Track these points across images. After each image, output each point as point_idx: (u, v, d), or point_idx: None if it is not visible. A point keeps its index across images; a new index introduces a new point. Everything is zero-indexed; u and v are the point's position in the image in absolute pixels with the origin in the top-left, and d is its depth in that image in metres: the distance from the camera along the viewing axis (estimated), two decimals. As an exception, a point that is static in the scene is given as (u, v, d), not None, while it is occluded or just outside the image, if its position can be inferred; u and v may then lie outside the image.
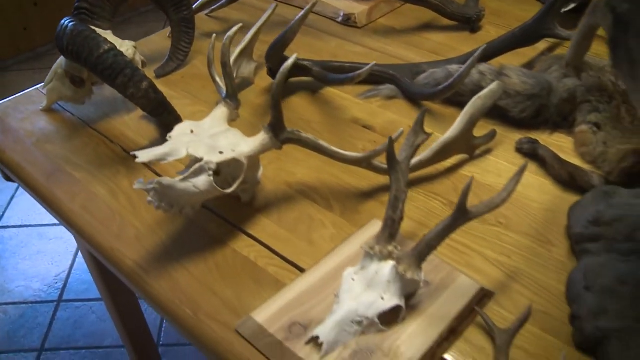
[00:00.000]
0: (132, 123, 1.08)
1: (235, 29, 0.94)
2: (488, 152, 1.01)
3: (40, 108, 1.11)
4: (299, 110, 1.11)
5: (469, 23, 1.35)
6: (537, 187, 0.94)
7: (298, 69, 1.10)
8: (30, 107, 1.13)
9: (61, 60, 1.02)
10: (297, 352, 0.68)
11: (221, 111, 0.87)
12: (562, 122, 1.04)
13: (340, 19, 1.40)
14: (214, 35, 0.95)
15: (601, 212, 0.82)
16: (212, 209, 0.89)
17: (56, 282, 2.00)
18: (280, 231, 0.86)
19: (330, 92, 1.16)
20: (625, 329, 0.69)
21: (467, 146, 0.96)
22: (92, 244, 0.86)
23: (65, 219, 0.91)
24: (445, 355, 0.69)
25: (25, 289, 1.97)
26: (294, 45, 1.07)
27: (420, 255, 0.70)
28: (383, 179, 0.93)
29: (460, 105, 0.96)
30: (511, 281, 0.79)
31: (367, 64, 0.97)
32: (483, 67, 1.07)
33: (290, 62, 0.80)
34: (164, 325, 1.83)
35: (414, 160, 0.89)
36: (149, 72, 1.13)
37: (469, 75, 1.04)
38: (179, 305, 0.76)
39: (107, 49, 0.89)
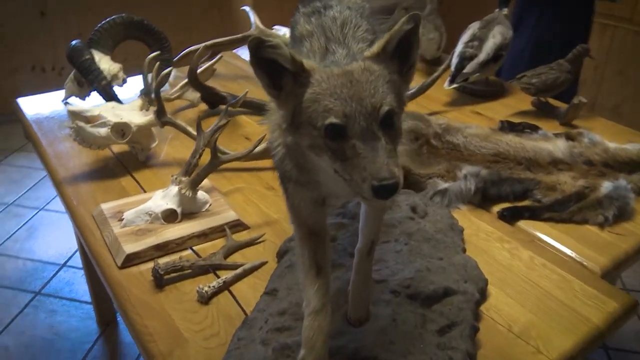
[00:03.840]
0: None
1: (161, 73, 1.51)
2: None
3: (62, 100, 1.74)
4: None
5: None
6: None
7: (220, 97, 1.65)
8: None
9: (73, 71, 1.65)
10: (111, 224, 1.17)
11: (136, 101, 1.44)
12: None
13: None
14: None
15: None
16: (124, 163, 1.43)
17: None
18: (152, 176, 1.38)
19: (242, 118, 1.69)
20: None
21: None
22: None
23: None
24: (194, 247, 1.15)
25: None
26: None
27: (194, 182, 1.19)
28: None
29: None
30: (265, 225, 1.23)
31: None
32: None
33: (187, 50, 1.35)
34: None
35: (239, 153, 1.38)
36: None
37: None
38: (73, 203, 1.29)
39: (86, 58, 1.50)
